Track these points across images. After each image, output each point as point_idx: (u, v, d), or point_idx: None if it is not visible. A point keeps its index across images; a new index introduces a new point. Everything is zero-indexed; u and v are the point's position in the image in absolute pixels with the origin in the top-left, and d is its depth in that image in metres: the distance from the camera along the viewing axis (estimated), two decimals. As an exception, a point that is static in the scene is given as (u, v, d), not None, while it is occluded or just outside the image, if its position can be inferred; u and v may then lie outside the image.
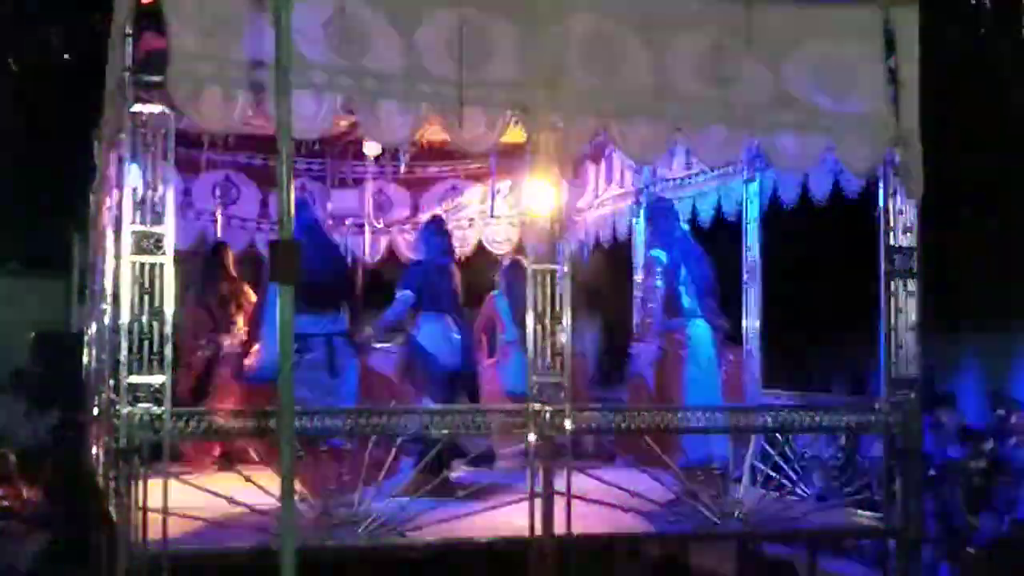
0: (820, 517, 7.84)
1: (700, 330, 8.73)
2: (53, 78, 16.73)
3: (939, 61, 8.15)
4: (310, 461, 7.02)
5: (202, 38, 6.48)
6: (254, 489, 6.92)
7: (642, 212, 10.54)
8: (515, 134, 7.38)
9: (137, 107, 6.67)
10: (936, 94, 7.93)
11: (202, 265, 10.67)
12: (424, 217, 11.43)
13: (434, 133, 7.28)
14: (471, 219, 12.10)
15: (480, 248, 12.10)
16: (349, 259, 11.87)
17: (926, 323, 7.75)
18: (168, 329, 6.67)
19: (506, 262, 10.94)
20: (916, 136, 7.55)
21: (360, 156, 11.25)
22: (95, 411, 10.10)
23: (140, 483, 6.54)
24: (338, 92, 6.74)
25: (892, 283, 7.67)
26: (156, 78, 6.55)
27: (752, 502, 7.57)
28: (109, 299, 8.53)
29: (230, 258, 10.78)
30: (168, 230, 6.70)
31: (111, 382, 8.15)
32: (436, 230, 9.53)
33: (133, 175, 6.73)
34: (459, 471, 8.43)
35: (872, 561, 10.44)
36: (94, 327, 10.84)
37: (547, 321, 7.17)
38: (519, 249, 11.40)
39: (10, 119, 17.86)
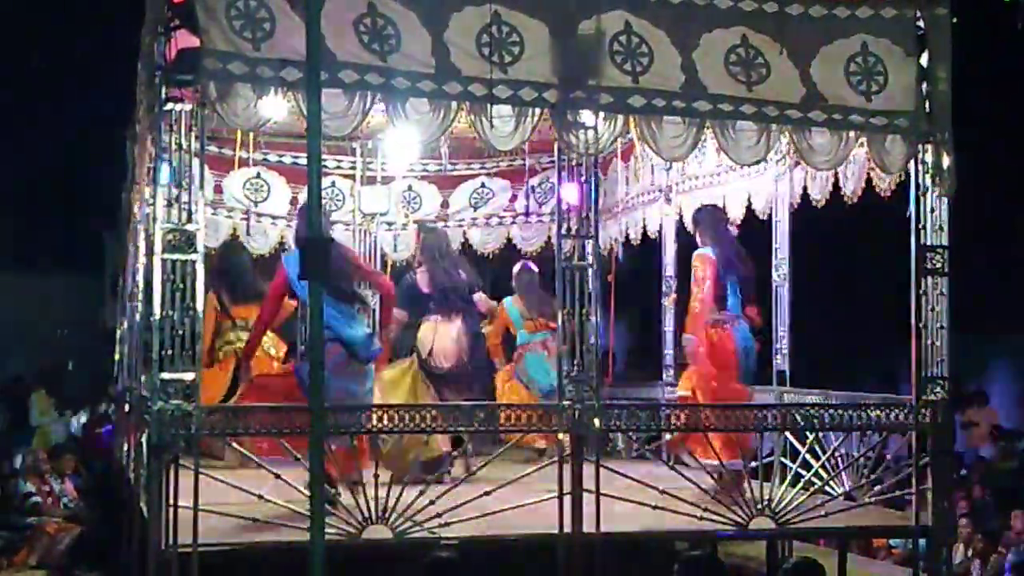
0: (850, 515, 7.80)
1: (743, 329, 8.65)
2: (86, 76, 16.82)
3: (971, 59, 8.10)
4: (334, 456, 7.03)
5: (233, 36, 6.53)
6: (281, 484, 6.97)
7: (678, 212, 10.53)
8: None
9: (169, 105, 6.72)
10: (970, 92, 7.89)
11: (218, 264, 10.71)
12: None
13: (463, 130, 7.27)
14: (500, 217, 12.10)
15: (508, 246, 12.09)
16: (378, 256, 11.93)
17: (959, 322, 7.71)
18: (199, 326, 6.71)
19: (517, 266, 10.99)
20: (948, 134, 7.51)
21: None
22: (126, 408, 10.17)
23: (170, 479, 6.58)
24: (368, 90, 6.76)
25: (923, 282, 7.64)
26: (187, 76, 6.60)
27: (782, 500, 7.53)
28: (141, 296, 8.58)
29: (245, 258, 10.87)
30: (199, 228, 6.75)
31: (142, 379, 8.22)
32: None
33: (164, 173, 6.78)
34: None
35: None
36: (126, 324, 10.91)
37: (576, 319, 7.18)
38: (546, 247, 11.47)
39: (43, 118, 17.99)
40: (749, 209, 9.71)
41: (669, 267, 10.91)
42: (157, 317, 6.69)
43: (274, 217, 11.55)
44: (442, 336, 9.31)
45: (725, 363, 8.54)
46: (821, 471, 7.88)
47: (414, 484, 7.13)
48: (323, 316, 4.74)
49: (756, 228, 9.67)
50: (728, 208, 9.78)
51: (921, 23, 7.57)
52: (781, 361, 9.40)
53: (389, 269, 11.81)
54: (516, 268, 11.00)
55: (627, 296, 11.56)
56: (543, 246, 11.80)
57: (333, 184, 11.69)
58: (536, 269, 10.92)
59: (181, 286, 6.67)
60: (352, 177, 11.83)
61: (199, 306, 6.71)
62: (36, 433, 16.15)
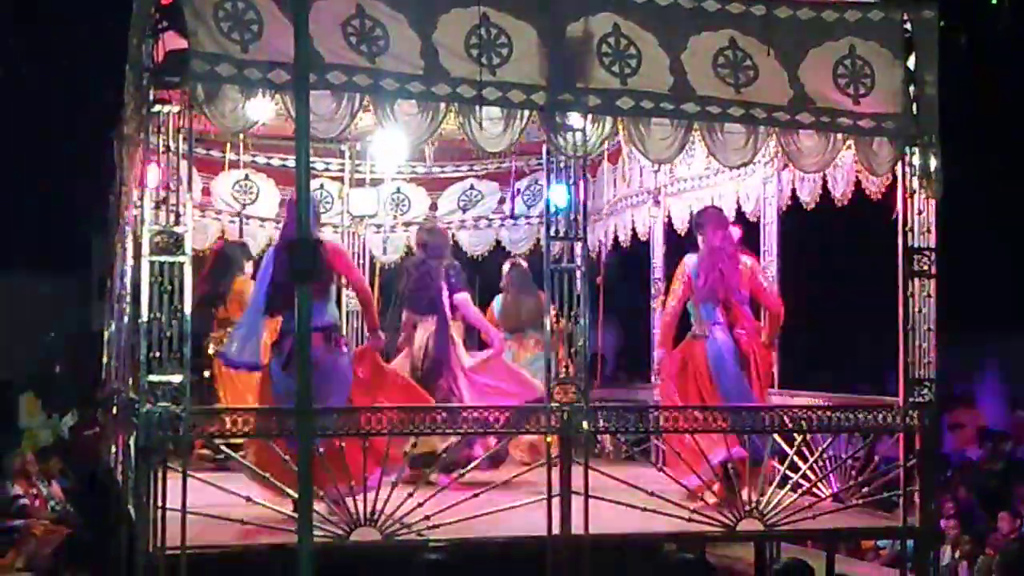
0: (838, 517, 7.81)
1: (716, 340, 8.51)
2: (73, 77, 16.78)
3: (959, 60, 8.13)
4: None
5: (221, 38, 6.51)
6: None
7: (667, 214, 10.54)
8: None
9: (156, 107, 6.71)
10: (958, 93, 7.91)
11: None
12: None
13: (451, 132, 7.28)
14: (489, 220, 12.12)
15: (497, 248, 12.10)
16: (367, 258, 11.93)
17: (947, 324, 7.71)
18: (187, 328, 6.70)
19: (507, 265, 10.94)
20: (935, 136, 7.53)
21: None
22: (114, 410, 10.15)
23: (159, 481, 6.56)
24: (356, 92, 6.75)
25: (910, 284, 7.65)
26: (175, 78, 6.58)
27: (770, 502, 7.54)
28: (128, 299, 8.56)
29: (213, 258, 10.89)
30: (187, 230, 6.73)
31: (130, 381, 8.20)
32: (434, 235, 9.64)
33: (152, 175, 6.76)
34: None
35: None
36: (113, 327, 10.88)
37: (565, 321, 7.18)
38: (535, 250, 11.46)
39: (30, 118, 17.93)
40: (739, 211, 9.71)
41: (658, 270, 10.91)
42: (145, 319, 6.67)
43: (263, 219, 11.54)
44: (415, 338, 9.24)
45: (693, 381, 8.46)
46: (809, 473, 7.89)
47: (404, 482, 7.13)
48: (311, 316, 4.73)
49: (746, 231, 9.65)
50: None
51: (908, 26, 7.58)
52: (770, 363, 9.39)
53: (378, 272, 11.81)
54: (506, 266, 10.97)
55: (616, 299, 11.55)
56: (532, 248, 11.81)
57: (322, 186, 11.70)
58: (525, 265, 10.89)
59: (169, 288, 6.66)
60: (341, 179, 11.84)
61: (187, 308, 6.70)
62: (24, 436, 16.12)
